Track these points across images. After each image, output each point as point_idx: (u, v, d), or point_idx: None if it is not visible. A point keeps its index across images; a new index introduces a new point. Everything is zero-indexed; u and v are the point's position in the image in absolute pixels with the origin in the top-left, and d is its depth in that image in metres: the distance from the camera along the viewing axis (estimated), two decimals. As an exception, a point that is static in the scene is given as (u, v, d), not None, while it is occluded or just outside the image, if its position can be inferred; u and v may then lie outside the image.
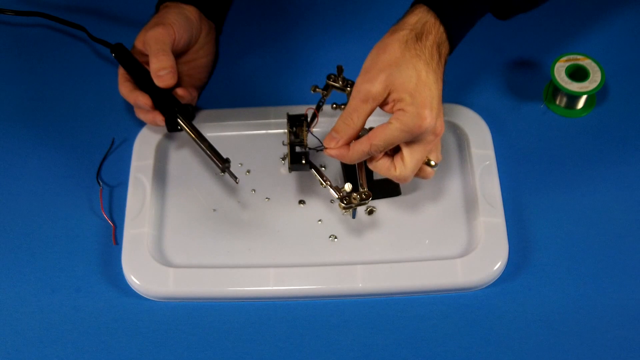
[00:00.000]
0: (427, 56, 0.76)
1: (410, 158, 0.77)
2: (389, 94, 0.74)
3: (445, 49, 0.78)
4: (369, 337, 0.80)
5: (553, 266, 0.83)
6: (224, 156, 0.85)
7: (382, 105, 0.76)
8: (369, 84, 0.74)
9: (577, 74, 0.93)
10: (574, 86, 0.91)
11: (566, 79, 0.92)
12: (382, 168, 0.79)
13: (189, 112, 0.88)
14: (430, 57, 0.76)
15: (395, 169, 0.78)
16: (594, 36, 1.00)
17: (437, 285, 0.81)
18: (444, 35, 0.77)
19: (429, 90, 0.74)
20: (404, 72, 0.74)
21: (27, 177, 0.91)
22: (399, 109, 0.74)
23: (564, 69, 0.92)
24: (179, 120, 0.86)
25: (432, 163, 0.79)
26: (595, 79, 0.91)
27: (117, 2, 1.06)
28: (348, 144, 0.78)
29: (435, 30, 0.77)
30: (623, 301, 0.81)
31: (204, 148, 0.85)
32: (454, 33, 0.78)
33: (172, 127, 0.87)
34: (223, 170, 0.85)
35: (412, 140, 0.76)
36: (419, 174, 0.80)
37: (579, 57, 0.93)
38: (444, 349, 0.79)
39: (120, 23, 1.04)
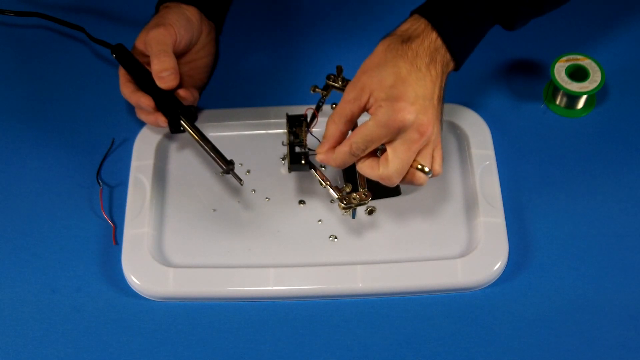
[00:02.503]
0: (410, 56, 0.75)
1: (393, 156, 0.75)
2: (370, 96, 0.74)
3: (442, 56, 0.77)
4: (369, 337, 0.80)
5: (553, 266, 0.83)
6: (225, 157, 0.85)
7: (368, 108, 0.76)
8: (350, 87, 0.76)
9: (577, 74, 0.93)
10: (574, 86, 0.91)
11: (566, 79, 0.92)
12: (366, 168, 0.77)
13: (192, 114, 0.87)
14: (415, 56, 0.75)
15: (378, 167, 0.76)
16: (594, 36, 1.00)
17: (437, 285, 0.81)
18: (438, 42, 0.77)
19: (410, 86, 0.73)
20: (383, 72, 0.74)
21: (27, 177, 0.91)
22: (377, 107, 0.74)
23: (564, 69, 0.92)
24: (182, 122, 0.86)
25: (426, 169, 0.76)
26: (595, 79, 0.91)
27: (116, 3, 1.06)
28: (334, 148, 0.78)
29: (425, 35, 0.76)
30: (623, 301, 0.81)
31: (208, 150, 0.85)
32: (453, 43, 0.77)
33: (175, 129, 0.87)
34: (227, 172, 0.84)
35: (395, 138, 0.74)
36: (409, 179, 0.77)
37: (579, 57, 0.93)
38: (444, 349, 0.79)
39: (119, 23, 1.04)
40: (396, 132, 0.74)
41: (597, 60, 0.93)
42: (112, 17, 1.05)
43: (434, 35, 0.77)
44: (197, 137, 0.85)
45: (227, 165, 0.84)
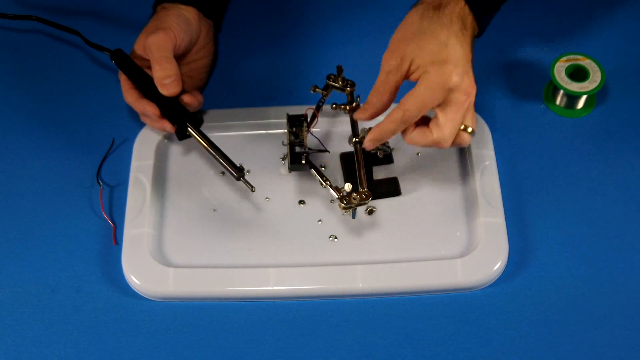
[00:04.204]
0: (445, 21, 0.77)
1: (444, 120, 0.77)
2: (411, 64, 0.76)
3: (470, 22, 0.79)
4: (369, 337, 0.80)
5: (553, 266, 0.83)
6: (235, 163, 0.84)
7: (409, 76, 0.77)
8: (388, 57, 0.77)
9: (577, 74, 0.93)
10: (574, 86, 0.91)
11: (566, 79, 0.92)
12: (419, 137, 0.79)
13: (198, 120, 0.86)
14: (450, 22, 0.77)
15: (432, 132, 0.78)
16: (594, 36, 1.00)
17: (437, 285, 0.81)
18: (466, 9, 0.79)
19: (452, 50, 0.75)
20: (422, 39, 0.76)
21: (27, 177, 0.91)
22: (423, 72, 0.75)
23: (564, 69, 0.92)
24: (189, 129, 0.85)
25: (469, 130, 0.79)
26: (595, 79, 0.91)
27: (113, 5, 1.06)
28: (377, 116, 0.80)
29: (454, 3, 0.78)
30: (623, 301, 0.81)
31: (217, 157, 0.84)
32: (478, 10, 0.79)
33: (182, 136, 0.86)
34: (238, 179, 0.84)
35: (444, 102, 0.76)
36: (457, 141, 0.80)
37: (579, 57, 0.93)
38: (444, 349, 0.79)
39: (116, 26, 1.04)
40: (445, 95, 0.75)
41: (597, 60, 0.93)
42: (108, 19, 1.04)
43: (462, 3, 0.79)
44: (205, 144, 0.84)
45: (238, 172, 0.83)
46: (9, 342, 0.81)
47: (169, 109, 0.85)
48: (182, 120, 0.85)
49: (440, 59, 0.75)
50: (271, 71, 0.99)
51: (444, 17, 0.77)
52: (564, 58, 0.93)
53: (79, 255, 0.86)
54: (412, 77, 0.77)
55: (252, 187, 0.84)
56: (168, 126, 0.86)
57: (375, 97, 0.79)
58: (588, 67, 0.92)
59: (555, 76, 0.92)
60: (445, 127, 0.77)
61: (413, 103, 0.76)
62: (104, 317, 0.82)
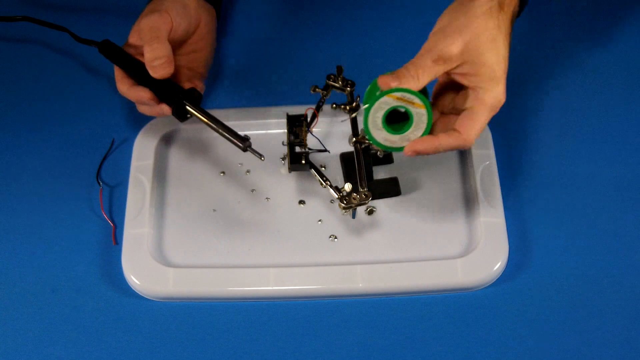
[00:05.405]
0: (506, 28, 0.72)
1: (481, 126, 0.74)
2: (464, 62, 0.71)
3: (514, 19, 0.75)
4: (369, 337, 0.80)
5: (553, 266, 0.83)
6: (240, 134, 0.81)
7: (452, 70, 0.72)
8: (445, 43, 0.70)
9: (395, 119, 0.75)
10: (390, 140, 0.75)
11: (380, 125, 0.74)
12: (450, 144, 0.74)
13: (195, 97, 0.83)
14: (507, 29, 0.72)
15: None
16: (592, 36, 1.00)
17: (437, 285, 0.81)
18: (517, 7, 0.74)
19: (505, 66, 0.72)
20: (486, 44, 0.70)
21: (27, 177, 0.91)
22: (478, 87, 0.71)
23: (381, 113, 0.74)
24: (187, 107, 0.82)
25: None
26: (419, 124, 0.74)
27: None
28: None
29: (515, 1, 0.74)
30: (623, 301, 0.81)
31: (221, 131, 0.81)
32: (524, 3, 0.76)
33: (181, 117, 0.83)
34: (245, 149, 0.81)
35: None
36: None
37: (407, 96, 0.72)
38: (444, 349, 0.79)
39: (107, 19, 1.03)
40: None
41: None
42: (98, 13, 1.04)
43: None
44: (206, 120, 0.82)
45: (244, 143, 0.80)
46: (9, 342, 0.81)
47: (164, 90, 0.83)
48: (179, 99, 0.82)
49: (499, 76, 0.71)
50: (271, 71, 0.99)
51: (507, 22, 0.71)
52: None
53: (79, 255, 0.86)
54: (457, 76, 0.72)
55: (260, 155, 0.80)
56: (166, 109, 0.83)
57: (412, 80, 0.71)
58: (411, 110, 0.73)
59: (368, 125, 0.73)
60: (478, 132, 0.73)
61: (476, 133, 0.72)
62: (103, 317, 0.82)
